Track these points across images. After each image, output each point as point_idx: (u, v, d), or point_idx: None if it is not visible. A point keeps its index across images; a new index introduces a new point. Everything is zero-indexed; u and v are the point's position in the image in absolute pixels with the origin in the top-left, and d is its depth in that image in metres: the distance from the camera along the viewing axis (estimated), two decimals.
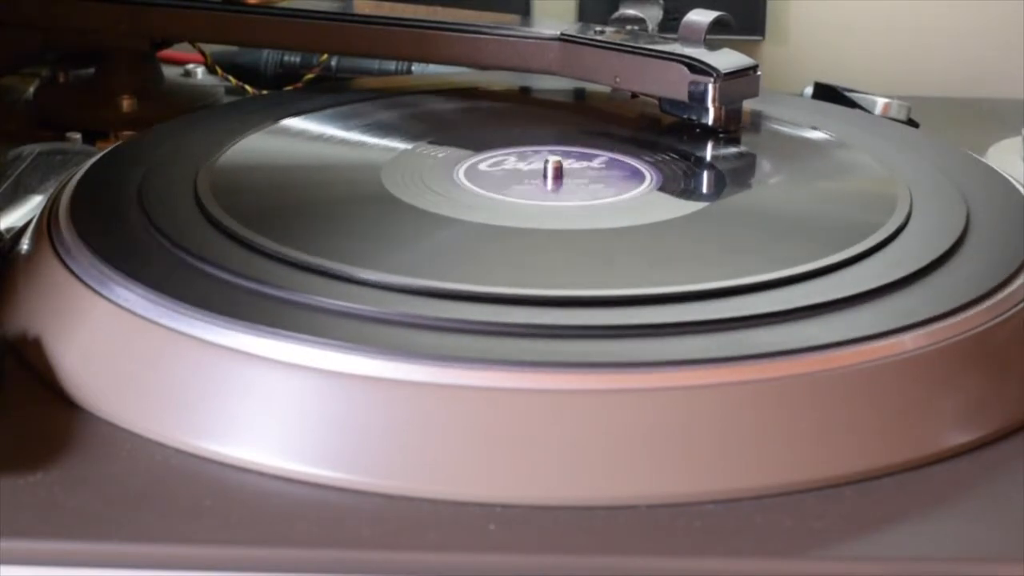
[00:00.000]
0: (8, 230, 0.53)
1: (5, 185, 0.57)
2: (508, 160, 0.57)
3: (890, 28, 0.83)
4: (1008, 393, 0.43)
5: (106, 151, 0.58)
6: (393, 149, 0.58)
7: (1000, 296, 0.45)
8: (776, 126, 0.62)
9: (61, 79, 0.74)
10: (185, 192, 0.52)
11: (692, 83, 0.59)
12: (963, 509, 0.39)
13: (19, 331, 0.46)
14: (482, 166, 0.56)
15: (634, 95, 0.63)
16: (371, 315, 0.42)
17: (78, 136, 0.67)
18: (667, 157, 0.57)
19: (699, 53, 0.60)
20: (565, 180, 0.54)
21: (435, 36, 0.65)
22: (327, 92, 0.67)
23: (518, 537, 0.37)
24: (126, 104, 0.71)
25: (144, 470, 0.40)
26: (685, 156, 0.58)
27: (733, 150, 0.59)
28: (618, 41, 0.62)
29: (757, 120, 0.63)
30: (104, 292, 0.45)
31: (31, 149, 0.61)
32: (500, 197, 0.53)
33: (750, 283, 0.45)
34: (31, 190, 0.57)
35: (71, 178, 0.54)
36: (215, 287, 0.44)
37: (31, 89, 0.75)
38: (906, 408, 0.42)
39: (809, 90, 0.71)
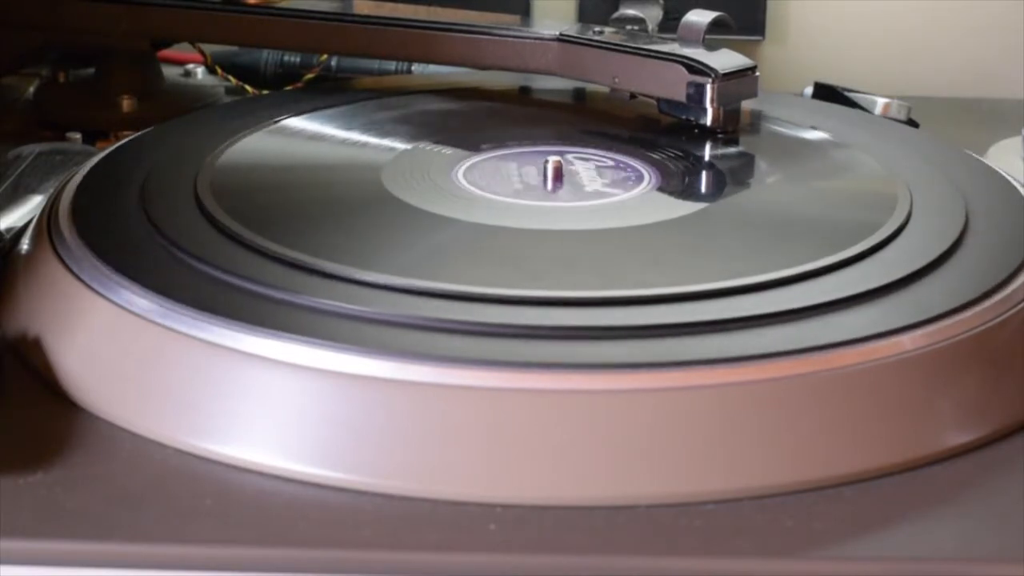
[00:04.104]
0: (8, 230, 0.53)
1: (5, 185, 0.57)
2: (508, 160, 0.57)
3: (890, 28, 0.83)
4: (1008, 393, 0.43)
5: (106, 151, 0.58)
6: (393, 149, 0.58)
7: (1000, 296, 0.45)
8: (776, 126, 0.62)
9: (61, 79, 0.74)
10: (185, 192, 0.52)
11: (690, 83, 0.59)
12: (963, 509, 0.39)
13: (19, 331, 0.46)
14: (482, 166, 0.56)
15: (632, 95, 0.63)
16: (371, 316, 0.42)
17: (78, 136, 0.67)
18: (666, 157, 0.57)
19: (697, 53, 0.60)
20: (564, 180, 0.54)
21: (435, 36, 0.65)
22: (327, 92, 0.67)
23: (518, 537, 0.37)
24: (126, 104, 0.71)
25: (144, 470, 0.40)
26: (684, 156, 0.58)
27: (733, 150, 0.59)
28: (617, 41, 0.62)
29: (757, 120, 0.63)
30: (104, 292, 0.45)
31: (31, 149, 0.61)
32: (500, 197, 0.53)
33: (749, 283, 0.45)
34: (31, 190, 0.57)
35: (71, 178, 0.54)
36: (215, 287, 0.44)
37: (31, 89, 0.75)
38: (906, 408, 0.42)
39: (809, 90, 0.71)
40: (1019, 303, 0.46)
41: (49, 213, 0.51)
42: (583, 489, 0.39)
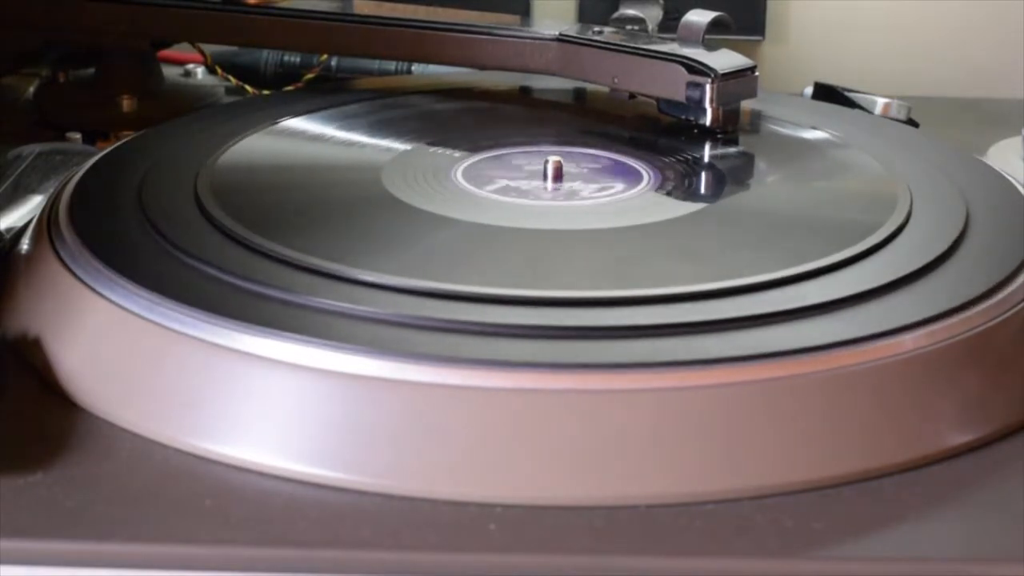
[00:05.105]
0: (8, 230, 0.53)
1: (5, 185, 0.57)
2: (508, 160, 0.57)
3: (890, 28, 0.84)
4: (1008, 393, 0.43)
5: (106, 151, 0.58)
6: (393, 149, 0.58)
7: (1000, 296, 0.45)
8: (776, 126, 0.62)
9: (61, 79, 0.75)
10: (185, 192, 0.52)
11: (690, 84, 0.59)
12: (963, 509, 0.39)
13: (19, 331, 0.46)
14: (481, 166, 0.56)
15: (632, 95, 0.63)
16: (371, 316, 0.42)
17: (78, 136, 0.67)
18: (666, 157, 0.57)
19: (697, 53, 0.60)
20: (564, 180, 0.54)
21: (435, 36, 0.65)
22: (327, 92, 0.67)
23: (518, 537, 0.37)
24: (126, 104, 0.71)
25: (144, 470, 0.40)
26: (684, 156, 0.58)
27: (733, 150, 0.59)
28: (616, 41, 0.62)
29: (757, 120, 0.63)
30: (104, 292, 0.45)
31: (31, 149, 0.61)
32: (499, 197, 0.53)
33: (749, 283, 0.45)
34: (31, 190, 0.57)
35: (71, 178, 0.54)
36: (215, 287, 0.44)
37: (31, 89, 0.75)
38: (906, 408, 0.42)
39: (809, 90, 0.71)
40: (1019, 303, 0.46)
41: (49, 213, 0.51)
42: (583, 489, 0.39)
